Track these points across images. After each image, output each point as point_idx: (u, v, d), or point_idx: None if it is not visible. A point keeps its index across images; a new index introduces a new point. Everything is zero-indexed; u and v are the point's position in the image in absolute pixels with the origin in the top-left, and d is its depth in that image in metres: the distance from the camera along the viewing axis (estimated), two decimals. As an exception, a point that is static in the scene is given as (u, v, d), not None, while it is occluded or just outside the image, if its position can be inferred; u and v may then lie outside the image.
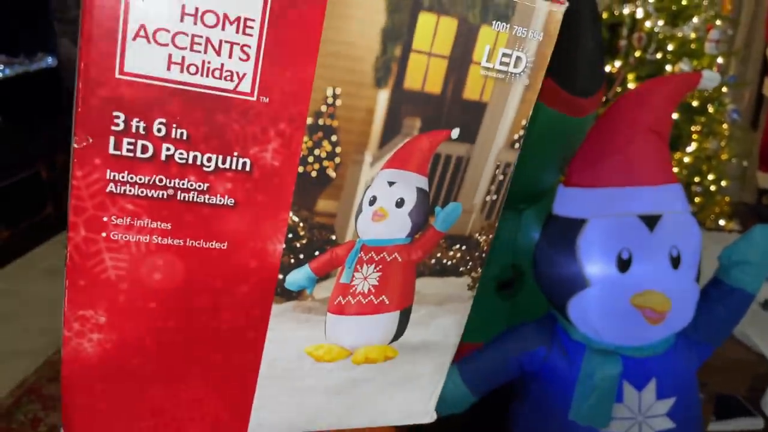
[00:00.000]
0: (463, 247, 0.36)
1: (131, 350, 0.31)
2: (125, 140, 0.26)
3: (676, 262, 0.70)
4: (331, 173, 0.30)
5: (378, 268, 0.34)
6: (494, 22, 0.30)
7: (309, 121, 0.29)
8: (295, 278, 0.32)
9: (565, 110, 0.66)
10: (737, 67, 2.84)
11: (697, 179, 2.08)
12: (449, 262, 0.36)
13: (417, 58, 0.29)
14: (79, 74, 0.25)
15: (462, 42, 0.30)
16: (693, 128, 2.00)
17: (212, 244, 0.29)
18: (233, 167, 0.28)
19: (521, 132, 0.34)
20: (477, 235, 0.36)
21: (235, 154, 0.28)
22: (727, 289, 0.77)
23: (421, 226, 0.34)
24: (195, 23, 0.25)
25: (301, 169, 0.30)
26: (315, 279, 0.32)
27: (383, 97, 0.30)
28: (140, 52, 0.25)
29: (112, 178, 0.27)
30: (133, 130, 0.26)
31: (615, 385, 0.71)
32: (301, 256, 0.32)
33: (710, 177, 2.10)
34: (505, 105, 0.32)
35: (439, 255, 0.35)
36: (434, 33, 0.29)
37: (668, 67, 1.86)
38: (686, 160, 2.00)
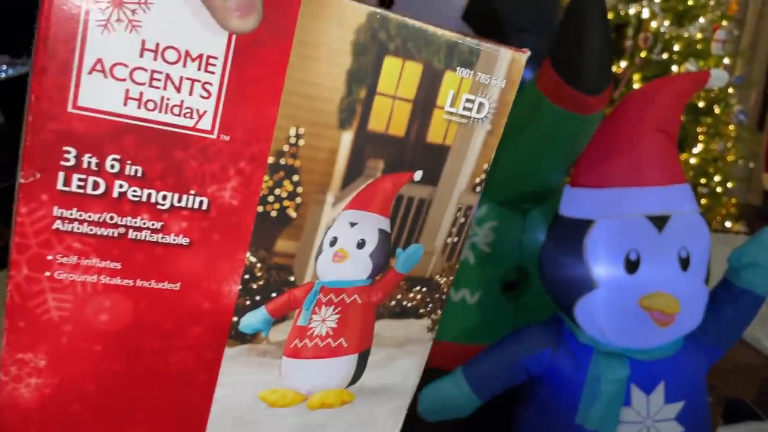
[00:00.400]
0: (424, 289, 0.35)
1: (73, 395, 0.29)
2: (75, 176, 0.25)
3: (685, 263, 0.68)
4: (292, 213, 0.30)
5: (337, 310, 0.33)
6: (458, 68, 0.30)
7: (270, 160, 0.28)
8: (251, 321, 0.31)
9: (571, 108, 0.65)
10: (743, 68, 2.81)
11: (703, 181, 2.06)
12: (409, 304, 0.35)
13: (382, 101, 0.29)
14: (30, 107, 0.24)
15: (426, 86, 0.30)
16: (699, 129, 1.98)
17: (164, 285, 0.28)
18: (189, 206, 0.27)
19: (483, 176, 0.34)
20: (438, 276, 0.35)
21: (192, 192, 0.27)
22: (736, 291, 0.75)
23: (381, 267, 0.33)
24: (155, 59, 0.25)
25: (260, 209, 0.29)
26: (271, 321, 0.31)
27: (347, 138, 0.29)
28: (95, 86, 0.24)
29: (59, 215, 0.26)
30: (85, 165, 0.25)
31: (623, 388, 0.69)
32: (258, 298, 0.31)
33: (716, 178, 2.08)
34: (468, 149, 0.32)
35: (399, 297, 0.35)
36: (399, 77, 0.29)
37: (674, 68, 1.84)
38: (692, 161, 1.98)
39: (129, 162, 0.26)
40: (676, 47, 1.86)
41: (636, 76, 1.83)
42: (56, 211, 0.25)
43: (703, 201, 2.08)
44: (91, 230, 0.26)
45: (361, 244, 0.32)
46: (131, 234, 0.27)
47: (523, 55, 0.32)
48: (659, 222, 0.68)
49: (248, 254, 0.29)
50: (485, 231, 0.74)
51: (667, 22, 1.87)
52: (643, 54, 1.85)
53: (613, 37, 1.82)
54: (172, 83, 0.25)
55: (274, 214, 0.29)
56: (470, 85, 0.31)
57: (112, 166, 0.26)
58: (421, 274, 0.35)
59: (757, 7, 2.85)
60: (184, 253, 0.28)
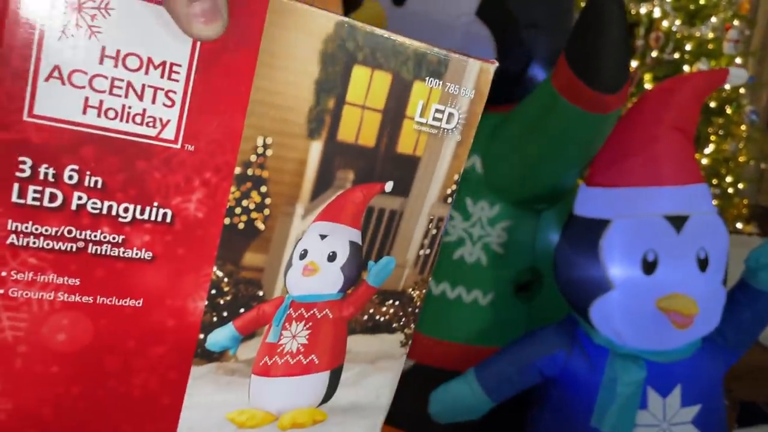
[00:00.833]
0: (396, 303, 0.35)
1: (28, 421, 0.27)
2: (31, 188, 0.24)
3: (703, 264, 0.67)
4: (260, 225, 0.29)
5: (308, 326, 0.32)
6: (427, 78, 0.30)
7: (237, 170, 0.27)
8: (218, 338, 0.30)
9: (587, 107, 0.63)
10: (754, 68, 2.78)
11: (714, 181, 2.05)
12: (382, 318, 0.34)
13: (351, 111, 0.29)
14: (-19, 115, 0.23)
15: (396, 96, 0.30)
16: (710, 130, 1.98)
17: (126, 302, 0.27)
18: (152, 218, 0.26)
19: (454, 187, 0.33)
20: (410, 290, 0.35)
21: (155, 204, 0.26)
22: (754, 292, 0.74)
23: (353, 281, 0.32)
24: (116, 66, 0.24)
25: (227, 221, 0.28)
26: (239, 338, 0.30)
27: (316, 148, 0.29)
28: (53, 94, 0.23)
29: (14, 229, 0.24)
30: (41, 177, 0.24)
31: (639, 390, 0.68)
32: (225, 314, 0.30)
33: (728, 179, 2.07)
34: (438, 160, 0.32)
35: (371, 311, 0.34)
36: (368, 86, 0.29)
37: (686, 67, 1.83)
38: (704, 161, 1.97)
39: (88, 173, 0.25)
40: (688, 47, 1.85)
41: (647, 76, 1.82)
42: (11, 224, 0.24)
43: (714, 202, 2.08)
44: (48, 245, 0.25)
45: (332, 257, 0.31)
46: (91, 248, 0.26)
47: (491, 66, 0.32)
48: (677, 222, 0.67)
49: (215, 268, 0.28)
50: (498, 231, 0.72)
51: (678, 22, 1.86)
52: (654, 53, 1.84)
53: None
54: (134, 91, 0.25)
55: (241, 226, 0.28)
56: (439, 95, 0.31)
57: (71, 177, 0.25)
58: (393, 288, 0.34)
59: (768, 7, 2.81)
60: (147, 268, 0.27)
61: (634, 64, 1.85)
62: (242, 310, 0.30)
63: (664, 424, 0.71)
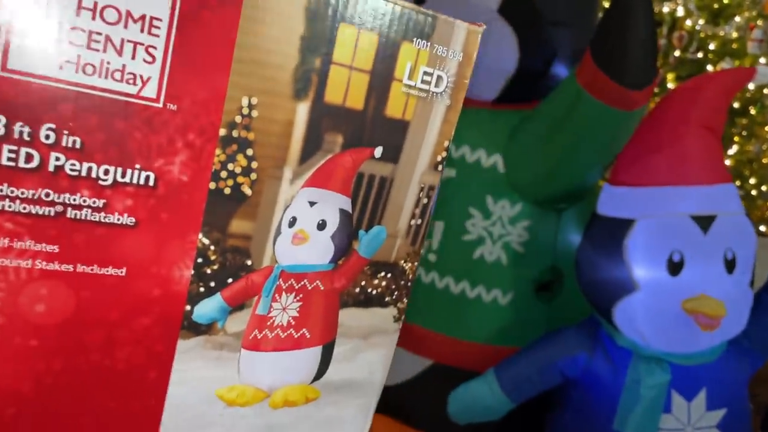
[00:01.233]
0: (389, 275, 0.34)
1: (6, 398, 0.26)
2: (6, 147, 0.23)
3: (731, 265, 0.66)
4: (247, 190, 0.28)
5: (298, 298, 0.31)
6: (415, 39, 0.29)
7: (222, 132, 0.27)
8: (205, 309, 0.29)
9: (613, 103, 0.61)
10: None
11: (738, 183, 2.01)
12: (374, 291, 0.34)
13: (338, 71, 0.28)
14: (-49, 68, 0.22)
15: (383, 57, 0.29)
16: (734, 131, 1.93)
17: (107, 270, 0.26)
18: (134, 181, 0.25)
19: (444, 153, 0.33)
20: (402, 262, 0.34)
21: (137, 166, 0.25)
22: None
23: (344, 251, 0.32)
24: (93, 18, 0.23)
25: (212, 186, 0.27)
26: (228, 310, 0.29)
27: (303, 109, 0.28)
28: (27, 47, 0.22)
29: (-13, 191, 0.23)
30: (16, 135, 0.23)
31: (663, 394, 0.66)
32: (212, 284, 0.29)
33: (752, 181, 2.00)
34: (428, 124, 0.32)
35: (363, 283, 0.33)
36: (355, 46, 0.28)
37: (709, 67, 1.79)
38: (727, 163, 1.94)
39: (66, 132, 0.24)
40: (712, 46, 1.82)
41: (670, 76, 1.81)
42: (-16, 186, 0.23)
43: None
44: (24, 208, 0.24)
45: (321, 225, 0.30)
46: (70, 213, 0.25)
47: (479, 29, 0.31)
48: (704, 222, 0.66)
49: (200, 235, 0.27)
50: (519, 230, 0.71)
51: (701, 21, 1.84)
52: (677, 53, 1.82)
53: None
54: (113, 46, 0.24)
55: (227, 191, 0.27)
56: (428, 57, 0.30)
57: (47, 137, 0.24)
58: (385, 259, 0.33)
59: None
60: (130, 235, 0.26)
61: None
62: (230, 280, 0.29)
63: (688, 428, 0.70)
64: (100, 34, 0.23)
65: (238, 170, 0.27)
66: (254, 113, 0.27)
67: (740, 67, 0.74)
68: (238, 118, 0.27)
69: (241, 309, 0.30)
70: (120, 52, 0.24)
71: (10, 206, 0.24)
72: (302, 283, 0.31)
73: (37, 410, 0.27)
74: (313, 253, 0.31)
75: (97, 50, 0.23)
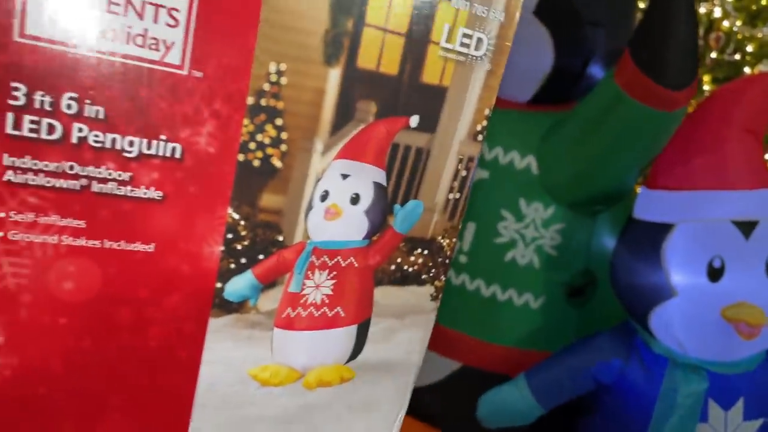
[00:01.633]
0: (425, 252, 0.32)
1: (36, 377, 0.25)
2: (27, 117, 0.22)
3: None
4: (277, 163, 0.27)
5: (332, 275, 0.30)
6: (453, -1, 0.27)
7: (250, 101, 0.25)
8: (236, 287, 0.28)
9: (653, 104, 0.60)
10: None
11: None
12: (410, 269, 0.32)
13: (371, 34, 0.27)
14: (-32, 35, 0.21)
15: (419, 18, 0.27)
16: None
17: (136, 246, 0.25)
18: (160, 153, 0.24)
19: (484, 123, 0.31)
20: (440, 238, 0.32)
21: (163, 137, 0.24)
22: None
23: (378, 226, 0.30)
24: (113, -20, 0.22)
25: (241, 158, 0.26)
26: (259, 287, 0.28)
27: (334, 76, 0.26)
28: (45, 11, 0.21)
29: (10, 164, 0.22)
30: (37, 105, 0.22)
31: (699, 402, 0.65)
32: (243, 261, 0.27)
33: None
34: (467, 91, 0.30)
35: (399, 260, 0.32)
36: (389, 6, 0.27)
37: (747, 69, 1.77)
38: None
39: (88, 101, 0.23)
40: (749, 48, 1.78)
41: (706, 77, 1.77)
42: (6, 159, 0.22)
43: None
44: (48, 182, 0.23)
45: (355, 200, 0.29)
46: (95, 186, 0.24)
47: (522, -14, 0.29)
48: (746, 228, 0.65)
49: (230, 210, 0.26)
50: (552, 234, 0.70)
51: (739, 23, 1.79)
52: (714, 54, 1.78)
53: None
54: (134, 9, 0.22)
55: (256, 163, 0.26)
56: (467, 17, 0.28)
57: (69, 107, 0.23)
58: (421, 235, 0.32)
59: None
60: (157, 209, 0.25)
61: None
62: (261, 257, 0.28)
63: None
64: (120, -4, 0.22)
65: (267, 141, 0.26)
66: (283, 80, 0.26)
67: None
68: (266, 86, 0.25)
69: (273, 286, 0.29)
70: (141, 16, 0.23)
71: (33, 180, 0.23)
72: (336, 259, 0.30)
73: (68, 389, 0.26)
74: (346, 229, 0.29)
75: (117, 14, 0.22)
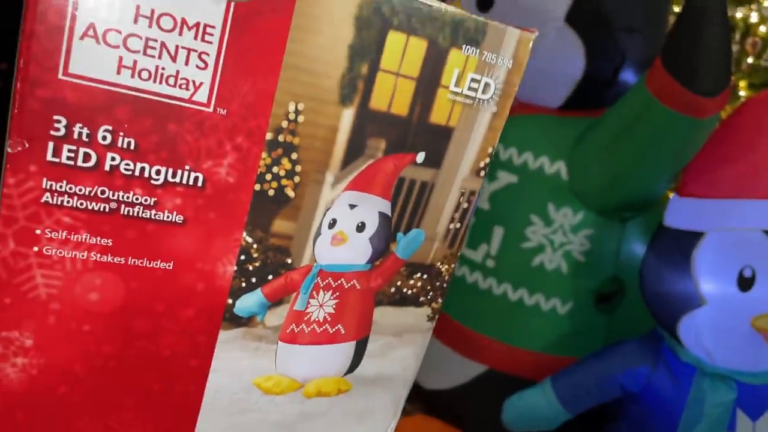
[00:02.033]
0: (425, 276, 0.34)
1: (60, 377, 0.28)
2: (66, 147, 0.24)
3: None
4: (290, 192, 0.29)
5: (335, 295, 0.32)
6: (464, 46, 0.29)
7: (269, 136, 0.27)
8: (246, 303, 0.30)
9: (684, 110, 0.59)
10: None
11: None
12: (409, 291, 0.34)
13: (384, 78, 0.28)
14: (18, 73, 0.23)
15: (431, 64, 0.29)
16: None
17: (157, 264, 0.27)
18: (184, 182, 0.26)
19: (487, 160, 0.33)
20: (439, 264, 0.34)
21: (187, 167, 0.26)
22: None
23: (381, 252, 0.32)
24: (150, 26, 0.24)
25: (257, 187, 0.28)
26: (267, 305, 0.30)
27: (348, 115, 0.28)
28: (87, 52, 0.23)
29: (48, 187, 0.25)
30: (75, 136, 0.24)
31: (728, 412, 0.65)
32: (254, 280, 0.30)
33: None
34: (472, 131, 0.31)
35: (399, 283, 0.34)
36: (403, 53, 0.28)
37: None
38: None
39: (122, 134, 0.25)
40: None
41: (742, 83, 1.75)
42: (45, 183, 0.24)
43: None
44: (81, 204, 0.25)
45: (360, 227, 0.31)
46: (123, 210, 0.26)
47: (531, 35, 0.31)
48: None
49: (244, 234, 0.28)
50: (580, 239, 0.70)
51: None
52: (750, 60, 1.76)
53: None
54: (168, 52, 0.24)
55: (271, 193, 0.28)
56: (476, 64, 0.30)
57: (104, 138, 0.25)
58: (421, 261, 0.34)
59: None
60: (178, 231, 0.27)
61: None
62: (270, 277, 0.30)
63: None
64: (155, 40, 0.24)
65: (282, 173, 0.28)
66: (300, 118, 0.28)
67: None
68: (284, 123, 0.27)
69: (279, 304, 0.31)
70: (174, 59, 0.25)
71: (68, 202, 0.25)
72: (339, 281, 0.32)
73: (87, 389, 0.28)
74: (351, 254, 0.31)
75: (153, 56, 0.24)
